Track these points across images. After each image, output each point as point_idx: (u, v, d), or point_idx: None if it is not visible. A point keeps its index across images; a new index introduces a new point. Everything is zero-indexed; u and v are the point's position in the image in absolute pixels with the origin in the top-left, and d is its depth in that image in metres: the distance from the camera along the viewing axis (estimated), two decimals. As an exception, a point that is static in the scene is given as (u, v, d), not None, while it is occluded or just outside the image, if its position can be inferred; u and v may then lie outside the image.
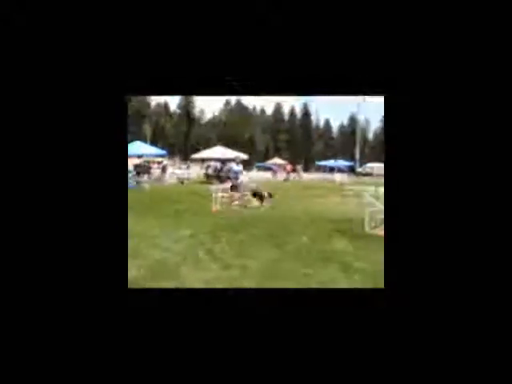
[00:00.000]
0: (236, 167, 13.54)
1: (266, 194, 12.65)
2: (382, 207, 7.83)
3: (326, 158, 66.68)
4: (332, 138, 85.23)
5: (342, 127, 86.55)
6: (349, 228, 8.00)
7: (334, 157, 63.50)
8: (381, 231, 7.36)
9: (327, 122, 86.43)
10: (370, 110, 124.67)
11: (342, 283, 4.40)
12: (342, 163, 49.92)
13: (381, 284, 4.35)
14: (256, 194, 12.65)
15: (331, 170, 46.87)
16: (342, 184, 21.78)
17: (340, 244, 6.55)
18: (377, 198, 9.45)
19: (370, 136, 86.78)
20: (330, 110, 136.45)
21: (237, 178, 13.07)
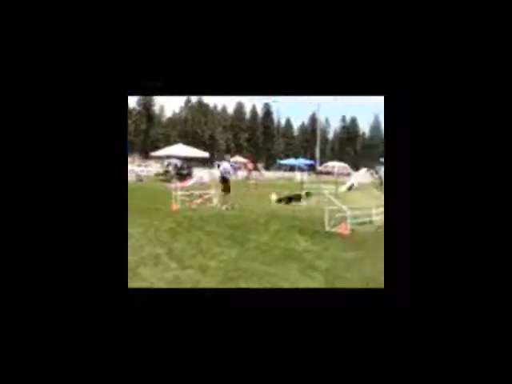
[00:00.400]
0: (227, 165, 13.50)
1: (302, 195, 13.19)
2: (342, 206, 7.95)
3: (287, 156, 67.18)
4: (293, 137, 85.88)
5: (302, 126, 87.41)
6: (309, 226, 8.07)
7: (295, 155, 64.08)
8: (340, 229, 7.47)
9: (288, 121, 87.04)
10: (329, 110, 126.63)
11: (303, 281, 4.42)
12: (302, 162, 50.40)
13: (339, 282, 4.42)
14: (291, 199, 12.99)
15: (292, 168, 47.26)
16: (302, 182, 21.96)
17: (300, 242, 6.59)
18: (336, 196, 9.59)
19: (330, 136, 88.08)
20: (291, 110, 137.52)
21: (228, 177, 13.03)
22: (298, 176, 34.49)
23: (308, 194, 13.95)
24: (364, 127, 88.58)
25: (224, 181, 12.87)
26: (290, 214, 10.01)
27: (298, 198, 13.52)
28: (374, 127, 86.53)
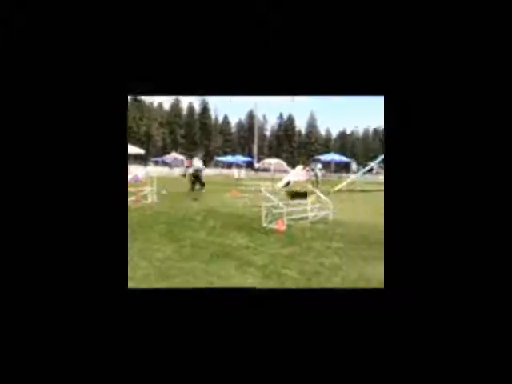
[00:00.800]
0: (198, 163, 13.29)
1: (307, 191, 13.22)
2: (278, 202, 8.04)
3: (225, 153, 67.18)
4: (230, 134, 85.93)
5: (240, 123, 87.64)
6: (246, 223, 8.10)
7: (233, 152, 64.27)
8: (277, 225, 7.55)
9: (226, 118, 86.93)
10: (267, 108, 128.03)
11: (239, 278, 4.41)
12: (240, 159, 50.62)
13: (276, 277, 4.46)
14: (296, 195, 13.00)
15: (230, 165, 47.35)
16: (239, 179, 22.04)
17: (237, 239, 6.58)
18: (273, 192, 9.69)
19: (268, 133, 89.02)
20: (228, 106, 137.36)
21: (199, 174, 12.91)
22: (235, 173, 34.59)
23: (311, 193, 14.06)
24: (300, 125, 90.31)
25: (195, 178, 12.81)
26: (227, 211, 10.00)
27: (303, 195, 13.59)
28: (310, 125, 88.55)
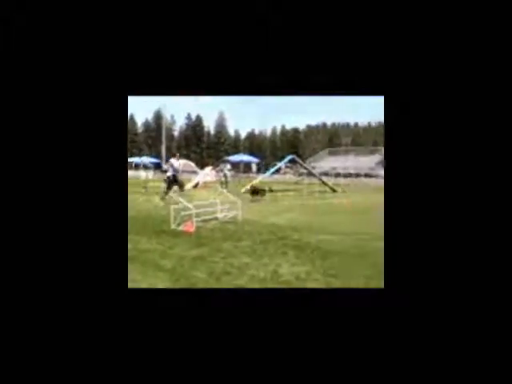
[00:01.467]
0: (176, 163, 12.61)
1: (266, 188, 13.46)
2: (187, 204, 7.94)
3: (132, 154, 65.17)
4: (137, 134, 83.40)
5: (146, 123, 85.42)
6: (155, 225, 7.90)
7: (140, 153, 62.51)
8: (186, 227, 7.46)
9: (132, 118, 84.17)
10: (174, 108, 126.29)
11: (146, 281, 4.28)
12: (147, 160, 49.38)
13: (185, 280, 4.40)
14: (255, 191, 13.17)
15: (137, 166, 45.96)
16: (147, 181, 21.50)
17: (144, 242, 6.40)
18: (181, 194, 9.57)
19: (176, 133, 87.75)
20: (134, 105, 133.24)
21: (176, 175, 12.29)
22: (142, 174, 33.64)
23: (271, 191, 14.21)
24: (209, 125, 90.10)
25: (176, 180, 12.40)
26: (133, 214, 9.68)
27: (262, 192, 14.14)
28: (219, 125, 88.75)
